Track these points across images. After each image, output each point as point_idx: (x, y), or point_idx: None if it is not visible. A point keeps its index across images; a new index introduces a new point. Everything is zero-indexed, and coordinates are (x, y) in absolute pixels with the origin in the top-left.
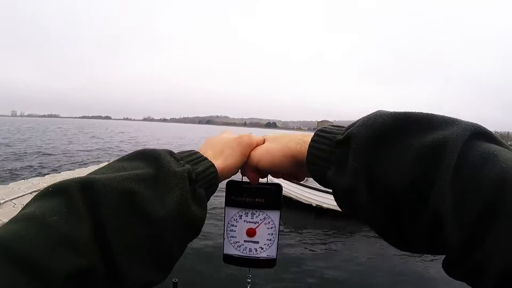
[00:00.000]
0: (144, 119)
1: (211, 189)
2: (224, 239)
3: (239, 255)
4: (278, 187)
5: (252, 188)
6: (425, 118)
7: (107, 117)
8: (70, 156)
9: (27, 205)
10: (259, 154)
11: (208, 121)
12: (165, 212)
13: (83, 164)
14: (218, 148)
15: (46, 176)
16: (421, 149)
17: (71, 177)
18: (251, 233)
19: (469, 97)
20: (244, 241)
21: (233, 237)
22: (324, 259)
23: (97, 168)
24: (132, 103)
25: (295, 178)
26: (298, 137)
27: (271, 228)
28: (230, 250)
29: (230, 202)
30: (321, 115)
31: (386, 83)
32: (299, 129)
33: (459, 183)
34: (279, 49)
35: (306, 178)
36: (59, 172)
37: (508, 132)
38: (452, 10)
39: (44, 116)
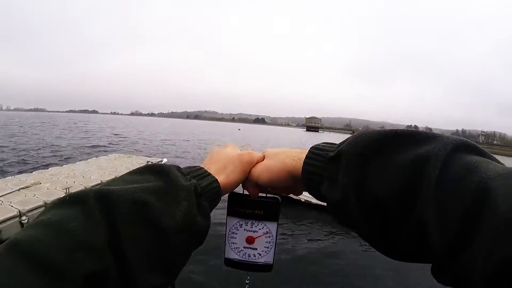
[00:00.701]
0: (132, 114)
1: (214, 202)
2: (225, 244)
3: (239, 260)
4: (277, 200)
5: (252, 200)
6: (409, 134)
7: (94, 111)
8: (58, 152)
9: (43, 212)
10: (258, 171)
11: (196, 116)
12: (174, 223)
13: (71, 159)
14: (221, 164)
15: (34, 172)
16: (406, 163)
17: (59, 172)
18: (250, 240)
19: (458, 95)
20: (244, 247)
21: (233, 243)
22: (313, 251)
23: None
24: (119, 97)
25: (292, 192)
26: (294, 153)
27: (269, 237)
28: (230, 254)
29: (232, 212)
30: (309, 112)
31: (375, 80)
32: (287, 125)
33: (441, 194)
34: (269, 45)
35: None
36: (47, 168)
37: (494, 132)
38: (439, 10)
39: (30, 110)
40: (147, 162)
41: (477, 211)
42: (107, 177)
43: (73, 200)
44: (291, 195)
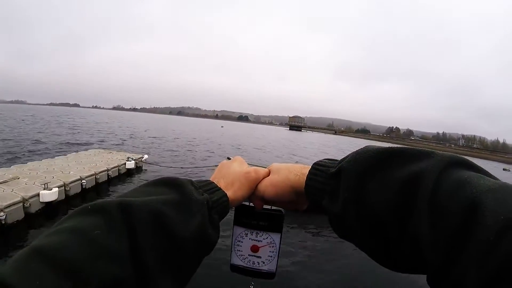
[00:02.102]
0: (114, 108)
1: (223, 215)
2: (231, 251)
3: (244, 266)
4: (281, 213)
5: (258, 212)
6: (405, 152)
7: (76, 105)
8: (37, 146)
9: (66, 219)
10: (264, 186)
11: (179, 112)
12: (188, 233)
13: (50, 155)
14: (229, 180)
15: (12, 166)
16: (401, 179)
17: (38, 167)
18: (255, 249)
19: (440, 99)
20: (249, 255)
21: (239, 250)
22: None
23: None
24: (101, 91)
25: (296, 206)
26: (297, 169)
27: (272, 247)
28: (236, 261)
29: (238, 222)
30: (292, 111)
31: (358, 81)
32: (270, 123)
33: (434, 209)
34: (253, 45)
35: None
36: (25, 163)
37: (474, 135)
38: (428, 13)
39: (11, 102)
40: (128, 158)
41: (468, 224)
42: (86, 172)
43: (96, 210)
44: None
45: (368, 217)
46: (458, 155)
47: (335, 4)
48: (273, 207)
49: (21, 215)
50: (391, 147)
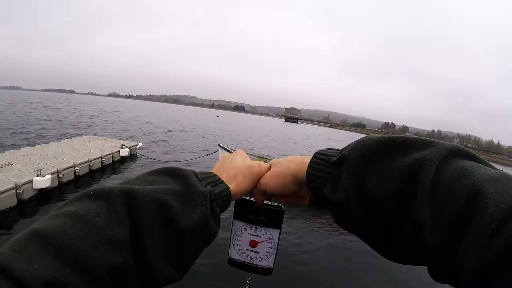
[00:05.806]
0: (110, 95)
1: (224, 208)
2: (230, 245)
3: (241, 261)
4: (281, 209)
5: (258, 207)
6: (407, 141)
7: (71, 91)
8: (31, 132)
9: (67, 204)
10: (266, 179)
11: (175, 100)
12: (190, 224)
13: (43, 140)
14: (232, 173)
15: (6, 152)
16: (403, 167)
17: (32, 153)
18: (253, 244)
19: (437, 97)
20: (247, 249)
21: (237, 245)
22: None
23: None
24: (96, 77)
25: (298, 199)
26: (298, 159)
27: (271, 243)
28: (234, 255)
29: (238, 216)
30: (289, 103)
31: (356, 76)
32: (267, 114)
33: (435, 196)
34: (254, 36)
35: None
36: (19, 149)
37: (469, 135)
38: (425, 20)
39: (5, 88)
40: (122, 145)
41: (469, 211)
42: (80, 159)
43: (98, 195)
44: None
45: (369, 204)
46: (459, 145)
47: (341, 3)
48: (274, 203)
49: (13, 202)
50: (393, 135)
